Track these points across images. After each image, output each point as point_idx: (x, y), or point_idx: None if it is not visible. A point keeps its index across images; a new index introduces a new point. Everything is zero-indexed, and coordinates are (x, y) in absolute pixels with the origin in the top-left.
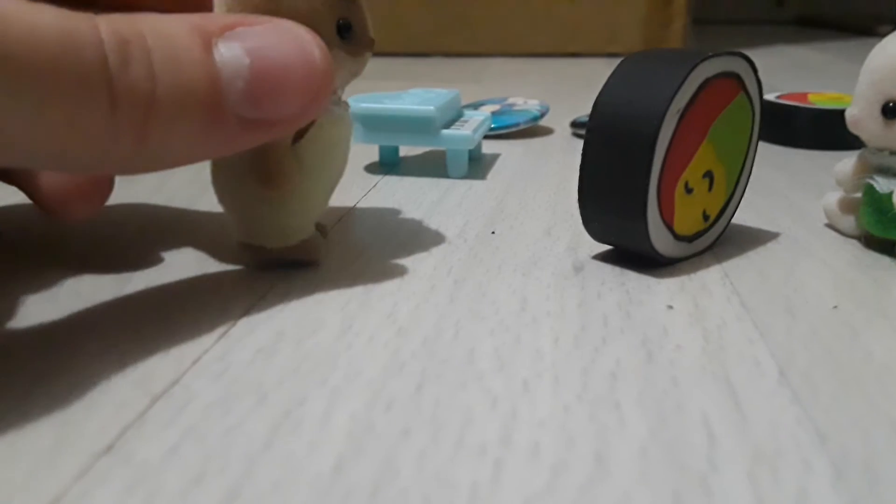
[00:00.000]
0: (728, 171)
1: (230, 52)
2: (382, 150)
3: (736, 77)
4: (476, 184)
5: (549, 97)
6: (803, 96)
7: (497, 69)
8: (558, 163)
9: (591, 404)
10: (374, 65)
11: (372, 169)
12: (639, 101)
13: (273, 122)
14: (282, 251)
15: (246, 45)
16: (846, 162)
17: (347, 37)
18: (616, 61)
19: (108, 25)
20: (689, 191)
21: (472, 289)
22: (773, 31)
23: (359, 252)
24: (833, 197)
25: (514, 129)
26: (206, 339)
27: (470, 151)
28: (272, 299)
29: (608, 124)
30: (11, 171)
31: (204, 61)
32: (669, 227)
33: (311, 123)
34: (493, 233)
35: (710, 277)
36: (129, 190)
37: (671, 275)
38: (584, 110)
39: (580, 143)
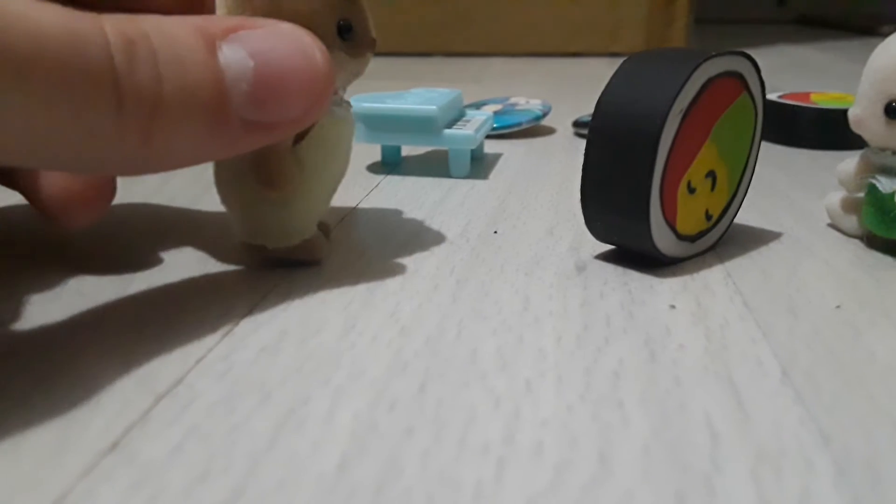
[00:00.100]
0: (731, 171)
1: (234, 55)
2: (385, 149)
3: (739, 77)
4: (478, 183)
5: (551, 97)
6: (806, 96)
7: (499, 69)
8: (560, 162)
9: (594, 404)
10: (376, 64)
11: (374, 168)
12: (642, 101)
13: (276, 125)
14: (284, 251)
15: (249, 48)
16: (849, 162)
17: (348, 37)
18: (618, 61)
19: (113, 26)
20: (691, 190)
21: (475, 288)
22: (774, 30)
23: (361, 251)
24: (835, 197)
25: (516, 129)
26: (210, 339)
27: (472, 151)
28: (275, 299)
29: (611, 124)
30: (15, 177)
31: (208, 63)
32: (672, 227)
33: (313, 124)
34: (495, 232)
35: (713, 277)
36: (132, 190)
37: (674, 274)
38: (586, 110)
39: (582, 143)
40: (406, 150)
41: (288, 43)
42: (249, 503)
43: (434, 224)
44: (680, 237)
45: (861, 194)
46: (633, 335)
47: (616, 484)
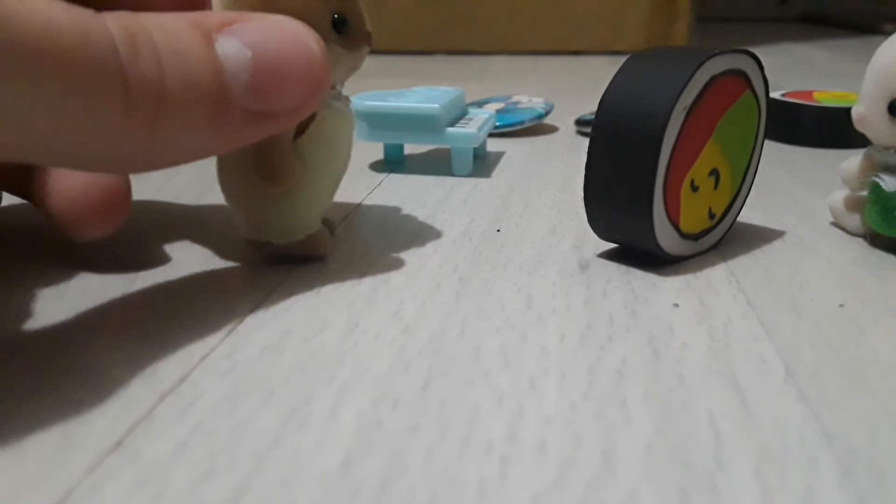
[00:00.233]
0: (734, 169)
1: (231, 47)
2: (387, 147)
3: (742, 75)
4: (481, 182)
5: (554, 95)
6: (808, 94)
7: (501, 67)
8: (563, 161)
9: (598, 402)
10: (378, 63)
11: (377, 167)
12: (645, 99)
13: (276, 115)
14: (288, 247)
15: (245, 39)
16: (852, 160)
17: (343, 31)
18: (620, 59)
19: (114, 21)
20: (694, 189)
21: (478, 287)
22: (777, 28)
23: (364, 250)
24: (839, 195)
25: (518, 127)
26: (213, 337)
27: (475, 149)
28: (278, 297)
29: (614, 122)
30: (28, 186)
31: (207, 56)
32: (675, 226)
33: (312, 119)
34: (498, 231)
35: (716, 276)
36: (135, 188)
37: (677, 273)
38: (588, 108)
39: (585, 141)
40: (409, 149)
41: (283, 33)
42: (253, 501)
43: (437, 222)
44: (683, 235)
45: (864, 193)
46: (637, 333)
47: (620, 482)
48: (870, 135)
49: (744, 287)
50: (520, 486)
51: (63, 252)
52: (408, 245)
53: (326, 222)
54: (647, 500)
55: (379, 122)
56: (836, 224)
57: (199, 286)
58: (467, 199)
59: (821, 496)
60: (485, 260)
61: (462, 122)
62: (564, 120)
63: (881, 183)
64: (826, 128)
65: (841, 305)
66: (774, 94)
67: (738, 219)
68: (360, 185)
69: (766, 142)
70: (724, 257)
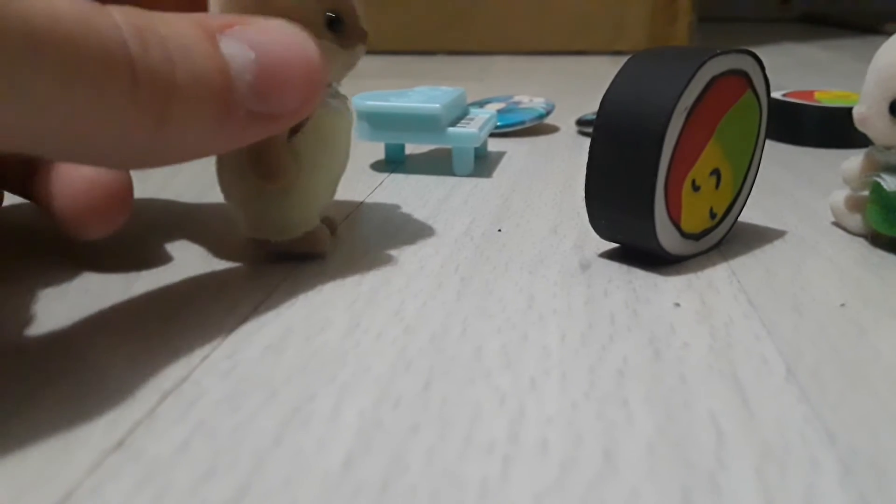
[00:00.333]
0: (735, 169)
1: (235, 48)
2: (388, 147)
3: (743, 75)
4: (482, 182)
5: (555, 95)
6: (810, 94)
7: (502, 67)
8: (564, 161)
9: (599, 401)
10: (379, 63)
11: (378, 167)
12: (646, 99)
13: (276, 117)
14: (287, 244)
15: (248, 41)
16: (853, 160)
17: (338, 29)
18: (621, 59)
19: (120, 13)
20: (696, 189)
21: (479, 286)
22: (778, 28)
23: (365, 249)
24: (840, 195)
25: (519, 127)
26: (215, 336)
27: (476, 149)
28: (280, 297)
29: (615, 122)
30: (30, 186)
31: (214, 54)
32: (676, 225)
33: (307, 117)
34: (499, 231)
35: (717, 275)
36: (137, 187)
37: (678, 273)
38: (589, 108)
39: (586, 141)
40: (410, 149)
41: (283, 36)
42: (255, 500)
43: (438, 222)
44: (684, 235)
45: (866, 192)
46: (638, 333)
47: (621, 481)
48: (871, 135)
49: (745, 287)
50: (521, 485)
51: (64, 252)
52: (409, 245)
53: (328, 221)
54: (648, 500)
55: (380, 122)
56: (837, 224)
57: (201, 285)
58: (468, 199)
59: (822, 495)
60: (486, 260)
61: (463, 122)
62: (565, 120)
63: (882, 183)
64: (827, 128)
65: (842, 305)
66: (775, 94)
67: (740, 218)
68: (361, 184)
69: (768, 142)
70: (726, 257)
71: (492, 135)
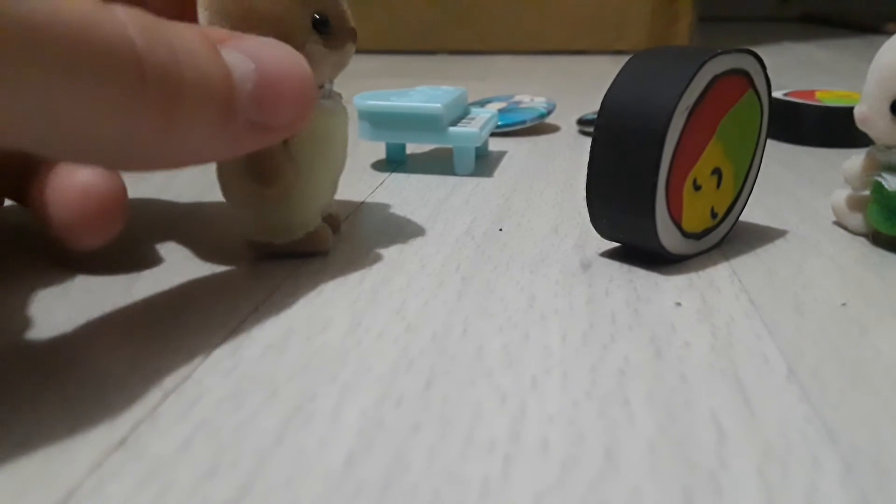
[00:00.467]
0: (736, 169)
1: (236, 57)
2: (389, 147)
3: (745, 74)
4: (483, 181)
5: (556, 94)
6: (811, 94)
7: (503, 66)
8: (565, 160)
9: (600, 400)
10: (380, 62)
11: (379, 166)
12: (647, 99)
13: (272, 128)
14: (289, 245)
15: (247, 53)
16: (854, 159)
17: (325, 31)
18: (622, 59)
19: (126, 12)
20: (697, 188)
21: (481, 286)
22: (778, 28)
23: (367, 249)
24: (841, 194)
25: (520, 127)
26: (217, 336)
27: (477, 149)
28: (281, 296)
29: (617, 121)
30: (26, 194)
31: (217, 59)
32: (678, 225)
33: None
34: (500, 230)
35: (719, 274)
36: (137, 188)
37: (679, 272)
38: (590, 107)
39: (587, 141)
40: (411, 148)
41: (279, 51)
42: (257, 499)
43: (439, 222)
44: (685, 235)
45: (867, 192)
46: (639, 332)
47: (623, 480)
48: (872, 134)
49: (746, 286)
50: (523, 484)
51: (65, 252)
52: (410, 244)
53: (330, 218)
54: (649, 499)
55: (381, 121)
56: (838, 223)
57: (202, 285)
58: (469, 199)
59: (823, 494)
60: (487, 259)
61: (464, 121)
62: (566, 119)
63: (884, 182)
64: (828, 127)
65: (843, 304)
66: (777, 94)
67: (741, 218)
68: (362, 184)
69: (769, 141)
70: (727, 256)
71: (493, 134)
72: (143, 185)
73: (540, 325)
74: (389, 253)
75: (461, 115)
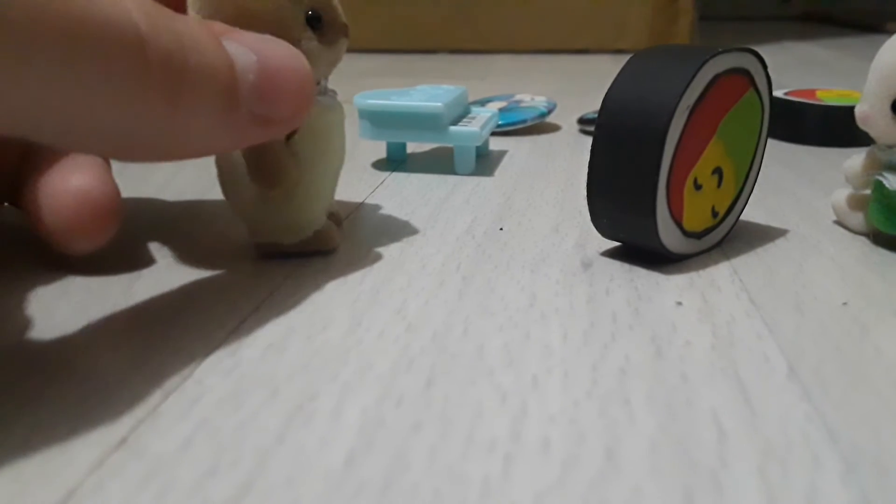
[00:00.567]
0: (737, 168)
1: (238, 49)
2: (390, 146)
3: (746, 73)
4: (484, 180)
5: (556, 94)
6: (811, 93)
7: (504, 66)
8: (566, 159)
9: (601, 400)
10: (380, 62)
11: (379, 165)
12: (648, 97)
13: (274, 121)
14: (298, 245)
15: (249, 46)
16: (855, 159)
17: (318, 27)
18: (623, 58)
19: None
20: (698, 187)
21: (481, 285)
22: (779, 27)
23: (367, 248)
24: (842, 194)
25: (521, 126)
26: (217, 335)
27: (477, 148)
28: (281, 295)
29: (617, 120)
30: (19, 198)
31: (220, 50)
32: (678, 224)
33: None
34: (501, 229)
35: (719, 274)
36: (138, 188)
37: (680, 271)
38: (591, 107)
39: (588, 140)
40: (411, 147)
41: (277, 44)
42: (258, 498)
43: (440, 221)
44: (686, 234)
45: (867, 191)
46: (640, 332)
47: (623, 480)
48: (873, 133)
49: (747, 285)
50: (523, 483)
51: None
52: (411, 243)
53: (333, 216)
54: (650, 498)
55: (382, 120)
56: (839, 222)
57: (203, 284)
58: (470, 198)
59: (824, 494)
60: (488, 258)
61: (465, 120)
62: (567, 118)
63: (884, 181)
64: (829, 126)
65: (844, 304)
66: (777, 93)
67: (742, 217)
68: (362, 183)
69: (769, 140)
70: (728, 255)
71: (493, 133)
72: (144, 185)
73: (541, 325)
74: (390, 252)
75: (462, 115)
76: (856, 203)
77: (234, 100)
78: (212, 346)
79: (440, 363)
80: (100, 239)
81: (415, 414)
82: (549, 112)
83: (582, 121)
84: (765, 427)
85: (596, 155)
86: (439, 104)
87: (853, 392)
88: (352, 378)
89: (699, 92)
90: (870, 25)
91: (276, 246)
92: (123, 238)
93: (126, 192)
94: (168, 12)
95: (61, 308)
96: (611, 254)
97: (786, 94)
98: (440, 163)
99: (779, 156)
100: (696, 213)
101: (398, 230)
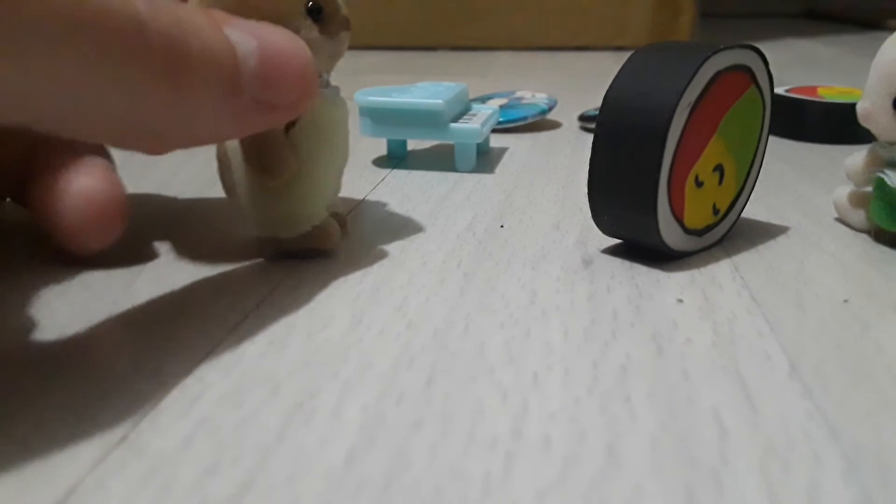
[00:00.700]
0: (738, 165)
1: (240, 35)
2: (391, 143)
3: (747, 70)
4: (484, 177)
5: (557, 91)
6: (813, 90)
7: (505, 63)
8: (566, 157)
9: (602, 397)
10: (381, 58)
11: (380, 162)
12: (649, 95)
13: (276, 107)
14: (296, 240)
15: (249, 32)
16: (857, 156)
17: (319, 19)
18: (623, 55)
19: None
20: (699, 184)
21: (482, 282)
22: (780, 24)
23: (368, 245)
24: (843, 191)
25: (522, 123)
26: (218, 332)
27: (478, 145)
28: (282, 293)
29: (618, 118)
30: (25, 195)
31: (221, 35)
32: (679, 221)
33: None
34: (501, 226)
35: (720, 271)
36: (139, 184)
37: (681, 269)
38: (591, 104)
39: (588, 137)
40: (412, 144)
41: (277, 31)
42: (258, 496)
43: (440, 218)
44: (687, 231)
45: (869, 189)
46: (641, 329)
47: (624, 477)
48: (875, 130)
49: (748, 283)
50: (524, 481)
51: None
52: (411, 241)
53: (337, 217)
54: (651, 496)
55: (382, 117)
56: (840, 220)
57: (204, 281)
58: (470, 195)
59: (826, 491)
60: (488, 256)
61: (465, 117)
62: (568, 115)
63: (886, 179)
64: (830, 124)
65: (845, 301)
66: (778, 90)
67: (743, 214)
68: (363, 180)
69: (771, 138)
70: (729, 253)
71: (494, 130)
72: (145, 182)
73: (541, 322)
74: (390, 250)
75: (462, 112)
76: (857, 200)
77: (237, 85)
78: (213, 343)
79: (441, 361)
80: (105, 239)
81: (415, 412)
82: (550, 109)
83: (583, 118)
84: (766, 425)
85: (597, 152)
86: (440, 101)
87: (854, 389)
88: (352, 376)
89: (700, 89)
90: (871, 22)
91: (274, 241)
92: (125, 235)
93: (127, 189)
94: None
95: (62, 305)
96: (612, 251)
97: (787, 91)
98: (441, 160)
99: (780, 153)
100: (698, 210)
101: (399, 227)
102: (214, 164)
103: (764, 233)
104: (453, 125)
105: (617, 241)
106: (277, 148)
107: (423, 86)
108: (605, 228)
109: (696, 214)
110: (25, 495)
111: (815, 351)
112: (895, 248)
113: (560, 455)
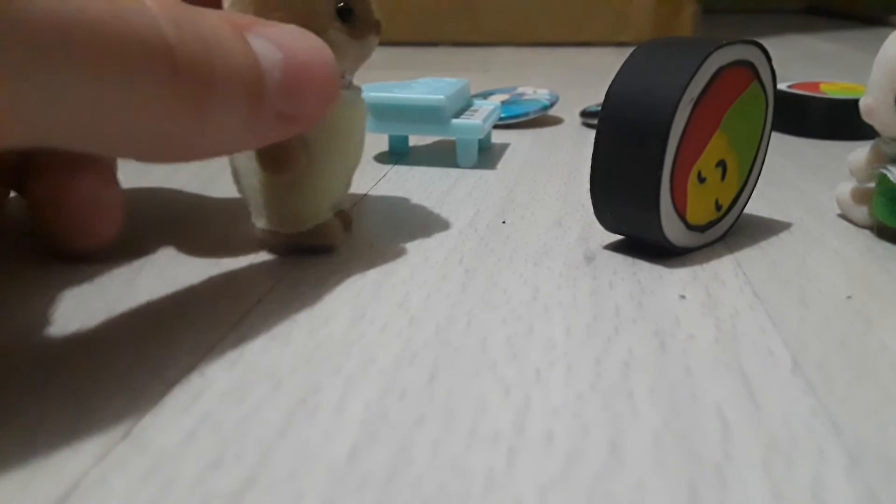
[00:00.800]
0: (741, 161)
1: (264, 45)
2: (392, 139)
3: (750, 66)
4: (486, 173)
5: (559, 86)
6: (815, 86)
7: (506, 58)
8: (568, 152)
9: (605, 393)
10: (382, 54)
11: (382, 158)
12: (652, 90)
13: (298, 118)
14: (297, 236)
15: (274, 41)
16: (859, 152)
17: (349, 20)
18: (625, 51)
19: (156, 3)
20: (701, 180)
21: (484, 278)
22: (783, 20)
23: (370, 241)
24: (846, 187)
25: (523, 119)
26: (221, 328)
27: (480, 141)
28: (284, 288)
29: (621, 113)
30: (25, 190)
31: (245, 49)
32: (682, 217)
33: None
34: (503, 222)
35: (723, 267)
36: (141, 180)
37: (683, 265)
38: (593, 99)
39: (590, 133)
40: (413, 140)
41: (304, 39)
42: (261, 492)
43: (442, 214)
44: (690, 227)
45: (872, 184)
46: (643, 325)
47: (627, 473)
48: (878, 126)
49: (751, 279)
50: (527, 476)
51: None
52: (413, 237)
53: (343, 215)
54: (654, 492)
55: (384, 113)
56: (843, 216)
57: (206, 277)
58: (472, 191)
59: (829, 487)
60: (490, 251)
61: (467, 113)
62: (570, 111)
63: (889, 174)
64: (833, 119)
65: (848, 297)
66: (781, 86)
67: (745, 210)
68: (365, 176)
69: (773, 133)
70: (731, 249)
71: (496, 126)
72: (147, 177)
73: (544, 318)
74: (392, 245)
75: (464, 107)
76: (860, 196)
77: (260, 99)
78: (215, 339)
79: (443, 357)
80: (104, 238)
81: (418, 407)
82: (552, 105)
83: (584, 114)
84: (769, 421)
85: (599, 148)
86: (441, 97)
87: (857, 385)
88: (355, 371)
89: (703, 85)
90: (874, 18)
91: (276, 236)
92: (126, 231)
93: (128, 186)
94: (191, 11)
95: (64, 301)
96: (614, 247)
97: (790, 86)
98: (442, 156)
99: (783, 149)
100: (700, 206)
101: (400, 223)
102: (216, 160)
103: (766, 229)
104: (455, 121)
105: (619, 237)
106: (288, 145)
107: (424, 81)
108: (608, 224)
109: (699, 210)
110: (28, 491)
111: (818, 347)
112: None
113: (563, 451)
